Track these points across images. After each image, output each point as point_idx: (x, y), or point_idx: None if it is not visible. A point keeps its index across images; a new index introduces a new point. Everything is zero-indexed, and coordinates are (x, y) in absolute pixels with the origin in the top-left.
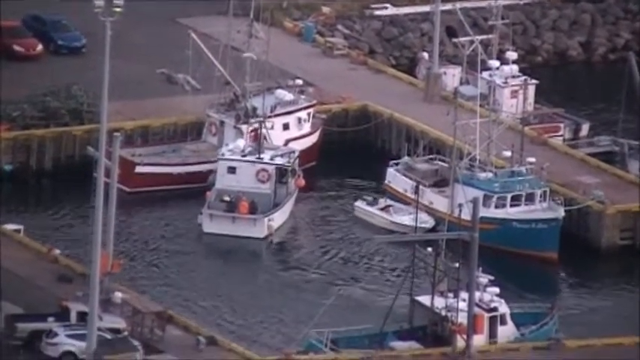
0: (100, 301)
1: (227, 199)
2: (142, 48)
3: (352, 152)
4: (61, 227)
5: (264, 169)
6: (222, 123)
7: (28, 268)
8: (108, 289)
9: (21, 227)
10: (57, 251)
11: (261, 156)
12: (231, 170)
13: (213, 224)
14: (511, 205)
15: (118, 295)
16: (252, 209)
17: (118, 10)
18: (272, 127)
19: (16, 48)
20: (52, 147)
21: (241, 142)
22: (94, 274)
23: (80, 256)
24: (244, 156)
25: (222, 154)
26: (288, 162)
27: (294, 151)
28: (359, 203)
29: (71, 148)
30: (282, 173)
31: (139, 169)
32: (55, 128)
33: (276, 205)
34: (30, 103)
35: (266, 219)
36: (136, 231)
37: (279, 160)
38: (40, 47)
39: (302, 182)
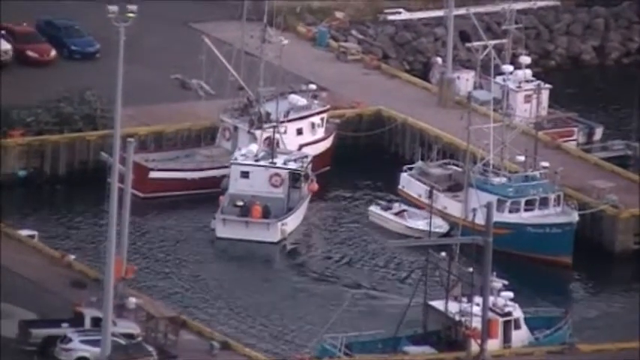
0: (114, 306)
1: (240, 203)
2: (156, 53)
3: (366, 157)
4: (74, 233)
5: (277, 174)
6: (235, 128)
7: (41, 273)
8: (122, 294)
9: (35, 233)
10: (71, 257)
11: (274, 160)
12: (244, 175)
13: (226, 229)
14: (525, 210)
15: (132, 301)
16: (265, 214)
17: (131, 15)
18: (285, 132)
19: (30, 53)
20: (66, 152)
21: (254, 147)
22: (108, 280)
23: (94, 262)
24: (257, 161)
25: (235, 159)
26: (301, 166)
27: (307, 156)
28: (373, 208)
29: (85, 153)
30: (295, 178)
31: (152, 175)
32: (69, 134)
33: (290, 210)
34: (44, 109)
35: (279, 223)
36: (150, 236)
37: (292, 165)
38: (53, 53)
39: (315, 187)
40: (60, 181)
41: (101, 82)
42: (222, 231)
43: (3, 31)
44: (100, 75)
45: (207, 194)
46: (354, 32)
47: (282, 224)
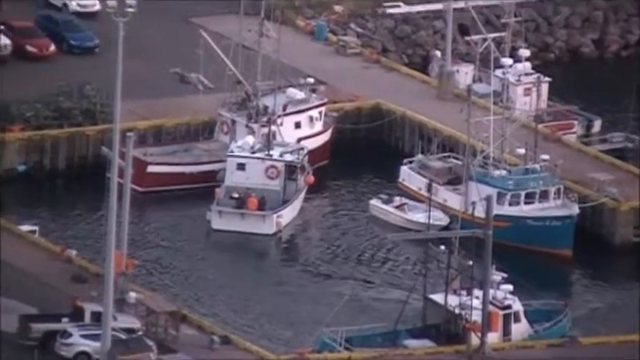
0: (114, 300)
1: (236, 195)
2: (155, 47)
3: (365, 150)
4: (74, 227)
5: (273, 166)
6: (233, 122)
7: (42, 268)
8: (122, 288)
9: (36, 228)
10: (71, 251)
11: (271, 152)
12: (241, 167)
13: (222, 221)
14: (525, 203)
15: (132, 295)
16: (261, 205)
17: (131, 10)
18: (281, 125)
19: (29, 48)
20: (66, 147)
21: (250, 139)
22: (108, 274)
23: (94, 256)
24: (253, 153)
25: (232, 151)
26: (298, 159)
27: (302, 148)
28: (374, 201)
29: (84, 148)
30: (291, 170)
31: (150, 169)
32: (69, 128)
33: (285, 202)
34: (43, 103)
35: (275, 215)
36: (148, 230)
37: (288, 157)
38: (52, 47)
39: (311, 179)
40: (60, 176)
41: (100, 77)
42: (218, 223)
43: (2, 26)
44: (99, 69)
45: (206, 188)
46: (353, 26)
47: (278, 216)
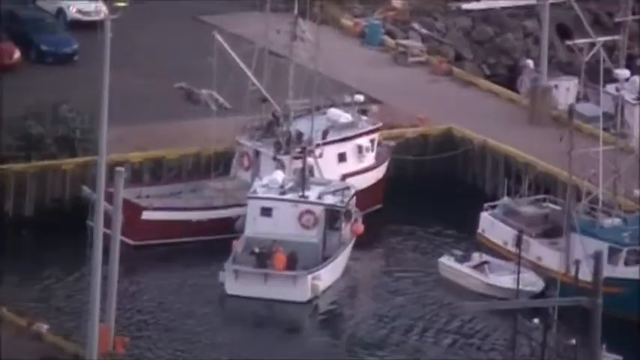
0: None
1: (258, 250)
2: (154, 55)
3: (432, 191)
4: (46, 294)
5: (309, 211)
6: (257, 153)
7: (3, 347)
8: None
9: None
10: (42, 325)
11: (306, 193)
12: (266, 212)
13: (239, 284)
14: None
15: None
16: (292, 263)
17: (121, 4)
18: (320, 156)
19: None
20: (35, 186)
21: (279, 176)
22: (91, 355)
23: (71, 332)
24: (283, 194)
25: (255, 192)
26: (342, 201)
27: (349, 188)
28: (444, 259)
29: (59, 187)
30: (333, 216)
31: (146, 216)
32: (39, 162)
33: (325, 259)
34: (5, 129)
35: (310, 277)
36: (143, 297)
37: (329, 199)
38: (17, 54)
39: (360, 228)
40: (26, 225)
41: (81, 94)
42: (234, 286)
43: None
44: (80, 84)
45: (219, 241)
46: (416, 26)
47: (314, 278)
